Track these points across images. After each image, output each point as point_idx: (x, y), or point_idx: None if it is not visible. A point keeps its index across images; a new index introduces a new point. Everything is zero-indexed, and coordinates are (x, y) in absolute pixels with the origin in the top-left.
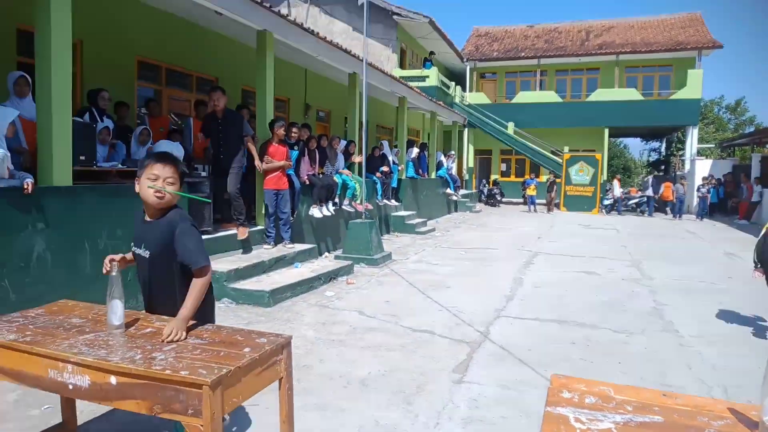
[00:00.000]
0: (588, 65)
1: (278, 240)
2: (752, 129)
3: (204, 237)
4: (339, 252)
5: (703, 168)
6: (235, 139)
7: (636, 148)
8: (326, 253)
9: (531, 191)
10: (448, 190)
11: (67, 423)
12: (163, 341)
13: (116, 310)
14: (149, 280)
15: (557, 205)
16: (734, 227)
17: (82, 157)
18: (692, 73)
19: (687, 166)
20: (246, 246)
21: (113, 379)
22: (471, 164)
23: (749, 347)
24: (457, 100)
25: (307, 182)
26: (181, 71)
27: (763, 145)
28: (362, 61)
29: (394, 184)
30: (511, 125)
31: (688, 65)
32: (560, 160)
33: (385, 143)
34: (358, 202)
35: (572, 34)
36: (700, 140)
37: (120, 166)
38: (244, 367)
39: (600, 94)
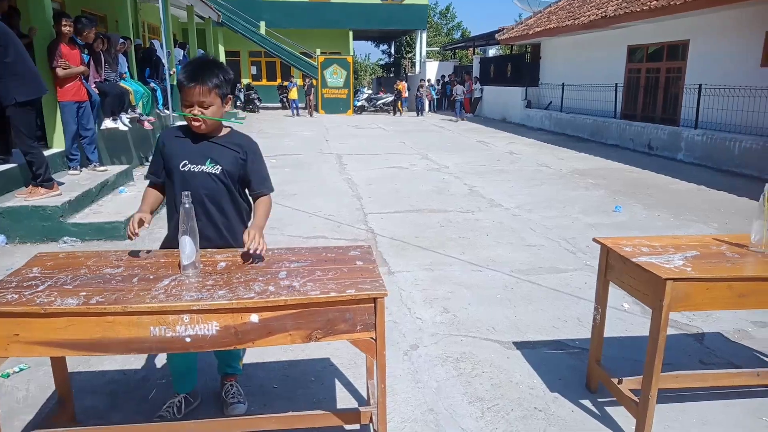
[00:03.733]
0: None
1: (84, 163)
2: (459, 33)
3: None
4: (144, 170)
5: (431, 69)
6: None
7: (361, 50)
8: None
9: (293, 95)
10: None
11: (66, 401)
12: (248, 250)
13: (186, 247)
14: (204, 199)
15: (316, 108)
16: (466, 120)
17: None
18: None
19: (418, 68)
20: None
21: (255, 317)
22: None
23: (555, 210)
24: None
25: (97, 91)
26: None
27: (477, 48)
28: None
29: (169, 91)
30: (262, 25)
31: None
32: (313, 63)
33: (157, 43)
34: (143, 114)
35: None
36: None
37: None
38: (378, 276)
39: None
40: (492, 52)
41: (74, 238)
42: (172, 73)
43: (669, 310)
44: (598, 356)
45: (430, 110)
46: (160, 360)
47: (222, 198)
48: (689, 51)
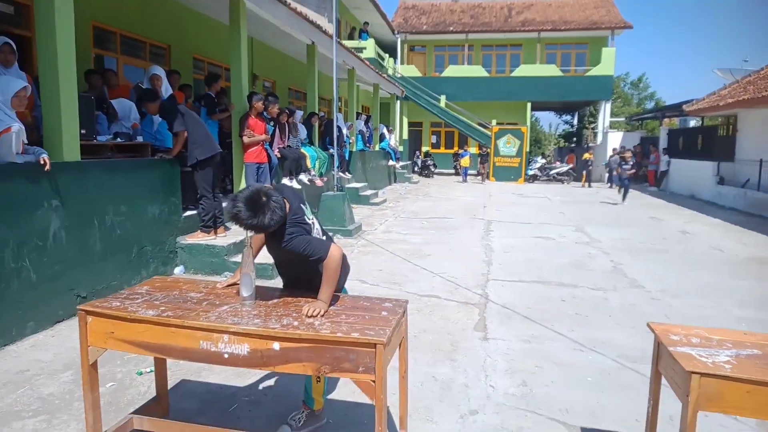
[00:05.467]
0: (511, 41)
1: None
2: (653, 103)
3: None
4: None
5: (614, 140)
6: None
7: (545, 120)
8: None
9: (465, 162)
10: (391, 162)
11: (161, 398)
12: (306, 315)
13: (247, 283)
14: None
15: (487, 176)
16: (647, 194)
17: (83, 131)
18: (606, 51)
19: (599, 138)
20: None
21: (276, 345)
22: (405, 136)
23: (705, 299)
24: (390, 72)
25: (278, 156)
26: (137, 38)
27: (666, 119)
28: (324, 32)
29: (346, 157)
30: (443, 98)
31: (601, 44)
32: (488, 133)
33: (340, 116)
34: (318, 175)
35: (495, 11)
36: (610, 113)
37: (119, 139)
38: (394, 328)
39: (523, 70)
40: (693, 123)
41: (231, 273)
42: (351, 141)
43: (696, 408)
44: None
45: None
46: (252, 380)
47: None
48: None
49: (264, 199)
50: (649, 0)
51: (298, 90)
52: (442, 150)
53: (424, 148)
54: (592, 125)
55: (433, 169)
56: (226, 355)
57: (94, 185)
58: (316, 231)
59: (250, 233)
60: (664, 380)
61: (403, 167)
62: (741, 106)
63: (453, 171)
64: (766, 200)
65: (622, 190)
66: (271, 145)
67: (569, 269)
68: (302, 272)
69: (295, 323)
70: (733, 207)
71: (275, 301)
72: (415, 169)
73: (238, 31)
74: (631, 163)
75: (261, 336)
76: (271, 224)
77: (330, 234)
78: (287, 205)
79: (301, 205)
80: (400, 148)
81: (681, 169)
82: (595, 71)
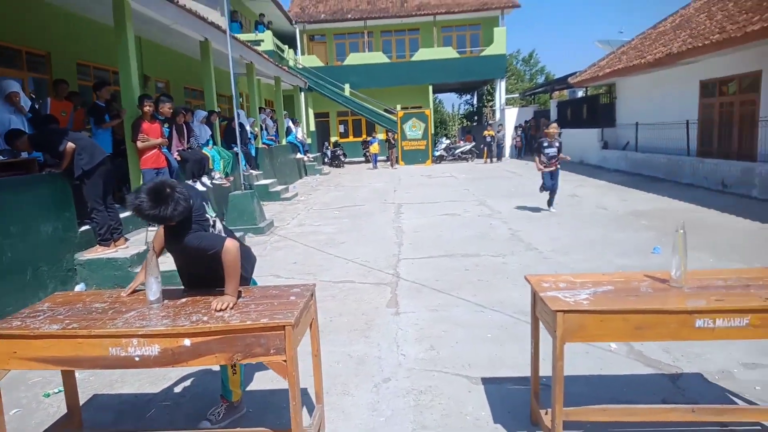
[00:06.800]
0: (409, 26)
1: None
2: (543, 77)
3: None
4: None
5: (511, 115)
6: None
7: (448, 101)
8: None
9: (374, 149)
10: (299, 155)
11: (73, 414)
12: (215, 310)
13: (153, 286)
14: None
15: (396, 160)
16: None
17: None
18: (497, 31)
19: (498, 115)
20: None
21: (187, 341)
22: (312, 128)
23: (591, 252)
24: (291, 63)
25: (179, 159)
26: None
27: (556, 92)
28: (217, 27)
29: (253, 153)
30: (347, 87)
31: (493, 24)
32: (394, 118)
33: (242, 112)
34: (223, 174)
35: None
36: (506, 91)
37: (1, 157)
38: (302, 310)
39: (422, 54)
40: (581, 94)
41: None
42: (256, 132)
43: (563, 340)
44: (536, 389)
45: (512, 156)
46: (167, 384)
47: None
48: (762, 81)
49: (168, 190)
50: None
51: (195, 89)
52: (351, 139)
53: (332, 139)
54: (491, 103)
55: (343, 159)
56: (137, 358)
57: None
58: (218, 230)
59: (151, 236)
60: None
61: (313, 159)
62: (617, 75)
63: (363, 159)
64: (642, 159)
65: (548, 194)
66: (169, 148)
67: (473, 241)
68: (204, 269)
69: (205, 318)
70: (617, 169)
71: (183, 300)
72: (326, 160)
73: (125, 32)
74: (557, 145)
75: (170, 335)
76: (174, 215)
77: (237, 235)
78: (191, 200)
79: (203, 203)
80: (309, 141)
81: (570, 138)
82: (488, 51)
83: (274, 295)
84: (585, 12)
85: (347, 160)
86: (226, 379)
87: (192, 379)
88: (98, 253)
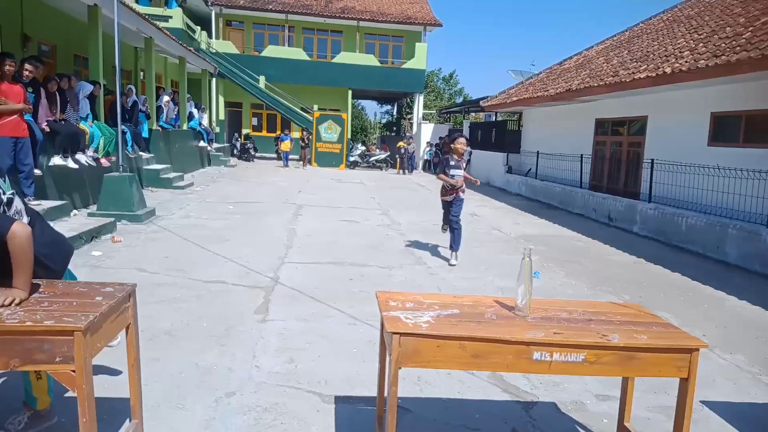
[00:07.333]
0: (332, 27)
1: (20, 196)
2: (461, 98)
3: None
4: (93, 209)
5: (427, 131)
6: None
7: (371, 109)
8: (75, 211)
9: (286, 147)
10: (203, 143)
11: None
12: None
13: None
14: None
15: (309, 161)
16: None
17: None
18: (419, 46)
19: (415, 129)
20: None
21: None
22: (222, 117)
23: (475, 272)
24: (203, 46)
25: (48, 130)
26: None
27: (470, 113)
28: None
29: (145, 134)
30: (262, 79)
31: (416, 38)
32: (310, 118)
33: (132, 88)
34: (102, 153)
35: None
36: (424, 106)
37: None
38: (104, 314)
39: (344, 57)
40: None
41: None
42: (149, 116)
43: (398, 365)
44: (380, 414)
45: (425, 170)
46: None
47: None
48: (647, 126)
49: None
50: (458, 2)
51: (87, 57)
52: (265, 133)
53: (244, 131)
54: (409, 116)
55: (253, 153)
56: None
57: None
58: (15, 210)
59: None
60: None
61: (218, 150)
62: (523, 104)
63: (275, 155)
64: (540, 187)
65: (449, 233)
66: (35, 117)
67: (365, 250)
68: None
69: None
70: (518, 193)
71: None
72: (234, 152)
73: None
74: (464, 166)
75: None
76: None
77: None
78: None
79: None
80: (217, 130)
81: (480, 159)
82: (409, 64)
83: (80, 294)
84: (504, 41)
85: (258, 154)
86: (29, 385)
87: None
88: None
